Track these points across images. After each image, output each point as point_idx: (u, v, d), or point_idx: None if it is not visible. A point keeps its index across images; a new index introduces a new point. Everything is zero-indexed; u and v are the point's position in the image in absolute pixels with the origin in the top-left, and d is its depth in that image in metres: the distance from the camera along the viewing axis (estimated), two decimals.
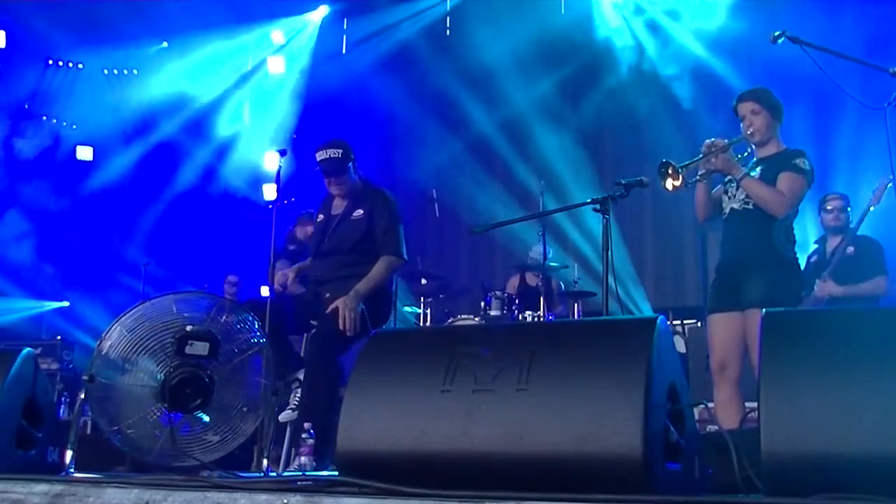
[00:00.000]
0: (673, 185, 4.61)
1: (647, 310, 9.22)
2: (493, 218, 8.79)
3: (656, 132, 9.67)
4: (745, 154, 4.89)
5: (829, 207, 6.34)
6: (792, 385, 2.19)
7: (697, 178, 4.77)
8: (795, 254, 4.75)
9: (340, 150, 5.22)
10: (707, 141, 4.72)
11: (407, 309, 8.65)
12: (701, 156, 4.69)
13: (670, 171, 4.59)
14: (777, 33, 4.35)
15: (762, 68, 8.16)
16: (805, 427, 2.12)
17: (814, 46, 4.36)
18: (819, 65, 4.30)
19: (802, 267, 5.81)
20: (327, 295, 5.07)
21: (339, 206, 5.36)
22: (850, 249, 6.12)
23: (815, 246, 6.45)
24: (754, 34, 8.49)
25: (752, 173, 4.73)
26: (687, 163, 4.64)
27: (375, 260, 5.14)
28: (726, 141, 4.71)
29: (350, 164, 5.26)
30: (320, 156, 5.24)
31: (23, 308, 10.77)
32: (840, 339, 2.25)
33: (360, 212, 5.23)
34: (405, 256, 5.28)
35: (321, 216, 5.41)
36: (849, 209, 6.37)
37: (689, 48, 9.47)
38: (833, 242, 6.28)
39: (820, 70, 4.38)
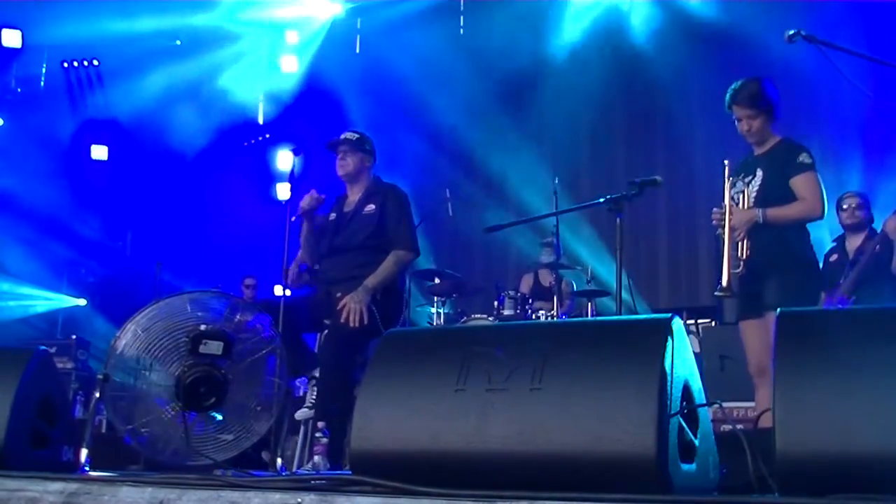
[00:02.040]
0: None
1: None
2: (507, 217, 8.79)
3: (670, 130, 9.66)
4: (748, 162, 4.88)
5: (844, 206, 6.30)
6: (807, 385, 2.18)
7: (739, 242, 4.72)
8: (813, 252, 4.76)
9: (357, 135, 5.41)
10: (714, 217, 4.73)
11: (421, 308, 8.65)
12: (721, 234, 4.68)
13: (725, 290, 4.61)
14: (792, 32, 4.32)
15: (779, 61, 8.12)
16: (820, 427, 2.12)
17: (830, 45, 4.32)
18: (836, 64, 4.27)
19: (821, 265, 5.84)
20: (339, 294, 5.08)
21: (351, 203, 5.39)
22: (878, 248, 6.05)
23: (833, 244, 6.40)
24: (771, 25, 8.47)
25: (755, 179, 4.74)
26: (724, 266, 4.60)
27: (383, 258, 5.16)
28: (726, 206, 4.70)
29: (364, 150, 5.38)
30: (342, 135, 5.43)
31: (40, 298, 10.84)
32: (855, 339, 2.24)
33: (371, 206, 5.28)
34: (417, 249, 5.31)
35: (333, 214, 5.43)
36: (864, 207, 6.32)
37: (703, 39, 9.42)
38: (854, 241, 6.21)
39: (836, 70, 4.35)
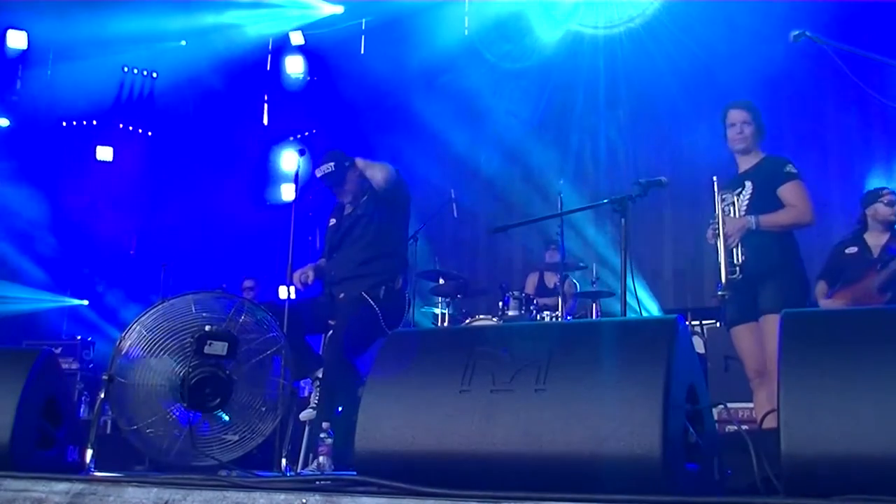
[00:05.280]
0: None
1: (659, 311, 9.19)
2: (512, 218, 8.78)
3: (675, 130, 9.64)
4: (734, 179, 5.04)
5: (885, 201, 6.17)
6: (812, 386, 2.18)
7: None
8: (800, 258, 4.91)
9: (332, 163, 5.30)
10: (709, 238, 4.90)
11: (425, 309, 8.65)
12: (716, 244, 4.84)
13: (726, 290, 4.76)
14: (797, 32, 4.33)
15: (783, 63, 8.11)
16: (825, 428, 2.11)
17: (834, 45, 4.33)
18: (841, 63, 4.28)
19: (833, 257, 6.20)
20: (341, 295, 5.12)
21: (349, 208, 5.41)
22: None
23: (849, 237, 6.29)
24: (776, 27, 8.48)
25: (744, 191, 4.90)
26: (721, 271, 4.76)
27: (385, 258, 5.20)
28: (718, 216, 4.85)
29: (347, 170, 5.30)
30: (318, 174, 5.37)
31: (42, 299, 10.85)
32: (860, 340, 2.24)
33: (363, 207, 5.28)
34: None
35: (333, 220, 5.47)
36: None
37: (708, 41, 9.41)
38: (878, 238, 6.12)
39: (842, 68, 4.36)
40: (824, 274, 6.22)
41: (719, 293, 4.76)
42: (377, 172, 5.23)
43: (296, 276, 5.31)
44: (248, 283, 9.55)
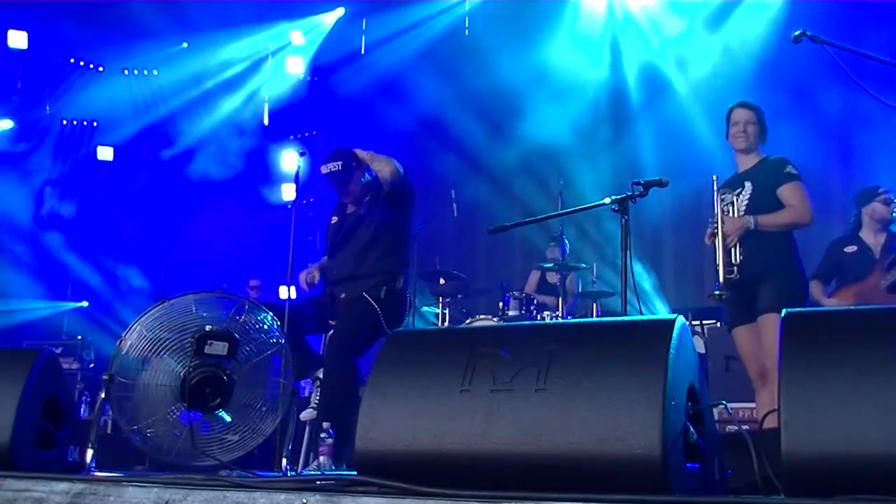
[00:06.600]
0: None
1: (663, 310, 9.18)
2: (512, 217, 8.78)
3: (676, 130, 9.65)
4: (734, 179, 5.10)
5: (882, 200, 6.11)
6: (813, 386, 2.18)
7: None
8: (800, 259, 4.95)
9: (340, 162, 5.22)
10: (707, 238, 4.96)
11: (426, 309, 8.65)
12: (714, 244, 4.89)
13: (723, 290, 4.80)
14: (797, 33, 4.34)
15: (782, 68, 8.12)
16: (826, 428, 2.11)
17: (835, 45, 4.33)
18: (842, 63, 4.28)
19: (830, 256, 6.15)
20: (343, 295, 5.11)
21: (351, 207, 5.39)
22: None
23: (845, 236, 6.25)
24: (776, 27, 8.51)
25: (743, 191, 4.96)
26: (720, 270, 4.81)
27: (387, 258, 5.18)
28: (717, 216, 4.91)
29: (354, 171, 5.24)
30: (323, 170, 5.29)
31: (39, 308, 10.85)
32: (861, 340, 2.24)
33: (366, 206, 5.28)
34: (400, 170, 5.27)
35: (335, 218, 5.44)
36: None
37: (709, 41, 9.42)
38: (877, 238, 6.08)
39: (842, 69, 4.35)
40: (819, 273, 6.12)
41: (716, 293, 4.79)
42: (384, 166, 5.18)
43: (301, 276, 5.31)
44: (253, 283, 9.58)
